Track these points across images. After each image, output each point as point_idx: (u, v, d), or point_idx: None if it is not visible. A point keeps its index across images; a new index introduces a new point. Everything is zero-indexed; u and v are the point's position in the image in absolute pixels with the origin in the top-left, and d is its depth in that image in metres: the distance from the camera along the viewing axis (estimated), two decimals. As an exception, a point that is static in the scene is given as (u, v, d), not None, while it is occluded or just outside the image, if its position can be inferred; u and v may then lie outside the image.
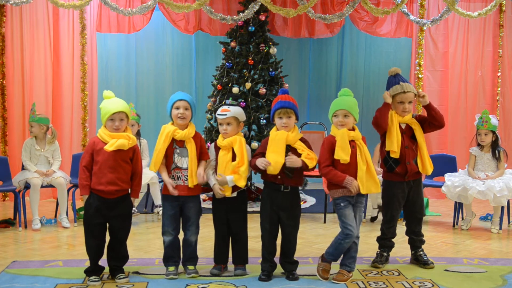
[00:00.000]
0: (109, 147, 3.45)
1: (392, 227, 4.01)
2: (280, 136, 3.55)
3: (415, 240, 4.01)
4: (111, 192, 3.50)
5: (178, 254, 3.73)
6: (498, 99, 7.00)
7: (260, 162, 3.51)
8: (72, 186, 5.37)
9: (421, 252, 3.99)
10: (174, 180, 3.65)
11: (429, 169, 3.89)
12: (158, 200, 5.54)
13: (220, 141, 3.67)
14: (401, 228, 4.14)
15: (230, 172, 3.58)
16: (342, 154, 3.51)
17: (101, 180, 3.48)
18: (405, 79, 3.87)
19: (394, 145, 3.83)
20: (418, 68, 6.87)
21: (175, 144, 3.65)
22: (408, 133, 3.89)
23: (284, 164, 3.52)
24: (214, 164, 3.69)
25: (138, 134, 5.63)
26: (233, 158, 3.62)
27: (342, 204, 3.59)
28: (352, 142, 3.58)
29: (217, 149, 3.69)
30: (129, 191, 3.63)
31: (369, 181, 3.55)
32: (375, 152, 5.61)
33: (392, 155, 3.88)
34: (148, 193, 5.90)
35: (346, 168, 3.54)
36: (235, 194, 3.66)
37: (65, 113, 6.50)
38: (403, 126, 3.90)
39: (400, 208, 4.00)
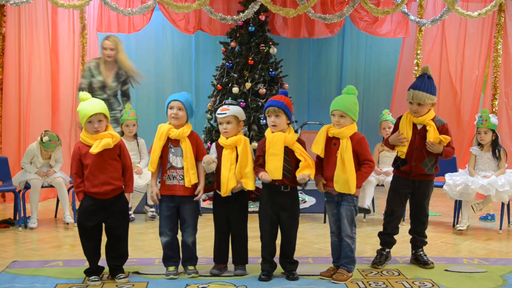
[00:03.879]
0: (94, 150, 3.43)
1: (393, 222, 4.01)
2: (278, 137, 3.55)
3: (417, 240, 4.01)
4: (106, 193, 3.50)
5: (177, 254, 3.73)
6: (497, 98, 6.98)
7: (263, 177, 3.56)
8: (72, 186, 5.36)
9: (421, 252, 3.99)
10: (170, 180, 3.65)
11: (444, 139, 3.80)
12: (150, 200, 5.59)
13: (223, 140, 3.66)
14: (402, 227, 4.14)
15: (235, 173, 3.59)
16: (314, 147, 3.63)
17: (94, 182, 3.47)
18: (422, 84, 3.79)
19: (402, 146, 3.87)
20: (416, 68, 6.87)
21: (170, 144, 3.65)
22: (422, 134, 3.84)
23: (283, 165, 3.53)
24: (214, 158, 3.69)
25: (135, 134, 5.63)
26: (237, 158, 3.62)
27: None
28: (335, 139, 3.58)
29: (219, 148, 3.69)
30: (123, 188, 3.62)
31: (339, 180, 3.52)
32: (375, 151, 5.62)
33: (399, 155, 3.90)
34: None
35: (326, 164, 3.61)
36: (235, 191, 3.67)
37: (65, 113, 6.49)
38: (419, 127, 3.86)
39: (402, 204, 4.00)
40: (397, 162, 3.95)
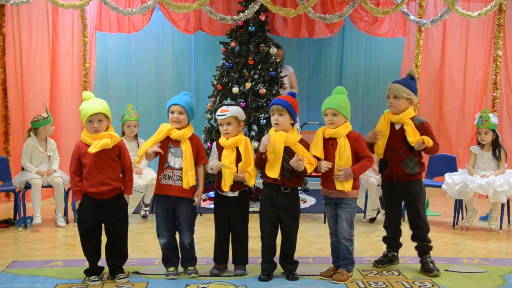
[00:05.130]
0: (92, 149, 3.44)
1: (390, 226, 3.99)
2: (280, 137, 3.55)
3: (418, 246, 3.89)
4: (103, 193, 3.50)
5: (176, 255, 3.73)
6: (497, 98, 6.97)
7: (264, 141, 3.53)
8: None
9: (428, 259, 3.83)
10: (165, 179, 3.64)
11: (429, 143, 3.68)
12: (148, 199, 5.60)
13: (223, 140, 3.66)
14: (402, 227, 4.10)
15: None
16: (312, 150, 3.62)
17: (92, 182, 3.48)
18: (400, 80, 3.84)
19: (378, 146, 3.83)
20: (415, 68, 6.86)
21: (170, 143, 3.64)
22: (400, 134, 3.78)
23: (283, 165, 3.53)
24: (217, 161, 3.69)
25: (135, 135, 5.63)
26: (237, 157, 3.62)
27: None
28: (332, 140, 3.59)
29: (220, 148, 3.69)
30: (122, 189, 3.62)
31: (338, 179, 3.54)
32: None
33: (377, 155, 3.88)
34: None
35: None
36: (236, 194, 3.67)
37: (64, 113, 6.49)
38: (398, 127, 3.81)
39: (395, 208, 3.96)
40: (380, 167, 3.92)
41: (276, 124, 3.59)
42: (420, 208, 3.85)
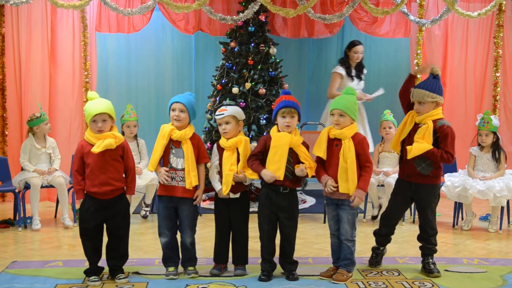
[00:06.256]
0: (96, 149, 3.45)
1: (388, 225, 3.93)
2: (285, 138, 3.54)
3: (423, 247, 3.87)
4: (106, 193, 3.50)
5: (177, 254, 3.73)
6: (498, 98, 6.98)
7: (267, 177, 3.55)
8: (72, 186, 5.36)
9: (429, 260, 3.82)
10: (168, 181, 3.65)
11: (412, 151, 3.64)
12: (148, 200, 5.60)
13: (223, 142, 3.67)
14: (401, 227, 4.11)
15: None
16: (316, 150, 3.62)
17: (94, 182, 3.48)
18: (423, 83, 3.70)
19: (393, 140, 3.86)
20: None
21: (172, 145, 3.65)
22: None
23: (286, 167, 3.54)
24: (217, 164, 3.69)
25: (135, 135, 5.62)
26: (238, 159, 3.63)
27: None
28: (336, 141, 3.58)
29: (221, 149, 3.69)
30: (125, 189, 3.62)
31: (342, 180, 3.52)
32: (375, 152, 5.62)
33: (397, 153, 3.89)
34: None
35: (328, 166, 3.61)
36: (238, 195, 3.67)
37: (64, 113, 6.48)
38: (421, 125, 3.73)
39: (399, 207, 3.91)
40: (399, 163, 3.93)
41: (288, 126, 3.58)
42: (429, 213, 3.80)
